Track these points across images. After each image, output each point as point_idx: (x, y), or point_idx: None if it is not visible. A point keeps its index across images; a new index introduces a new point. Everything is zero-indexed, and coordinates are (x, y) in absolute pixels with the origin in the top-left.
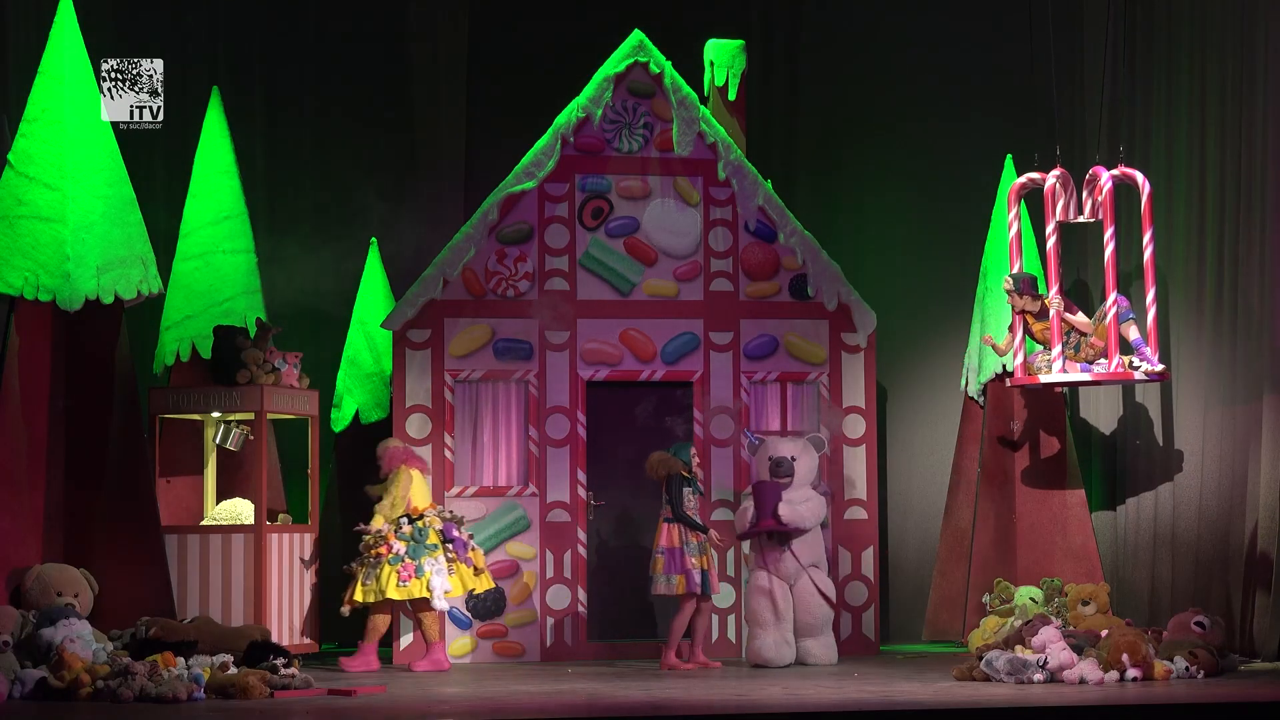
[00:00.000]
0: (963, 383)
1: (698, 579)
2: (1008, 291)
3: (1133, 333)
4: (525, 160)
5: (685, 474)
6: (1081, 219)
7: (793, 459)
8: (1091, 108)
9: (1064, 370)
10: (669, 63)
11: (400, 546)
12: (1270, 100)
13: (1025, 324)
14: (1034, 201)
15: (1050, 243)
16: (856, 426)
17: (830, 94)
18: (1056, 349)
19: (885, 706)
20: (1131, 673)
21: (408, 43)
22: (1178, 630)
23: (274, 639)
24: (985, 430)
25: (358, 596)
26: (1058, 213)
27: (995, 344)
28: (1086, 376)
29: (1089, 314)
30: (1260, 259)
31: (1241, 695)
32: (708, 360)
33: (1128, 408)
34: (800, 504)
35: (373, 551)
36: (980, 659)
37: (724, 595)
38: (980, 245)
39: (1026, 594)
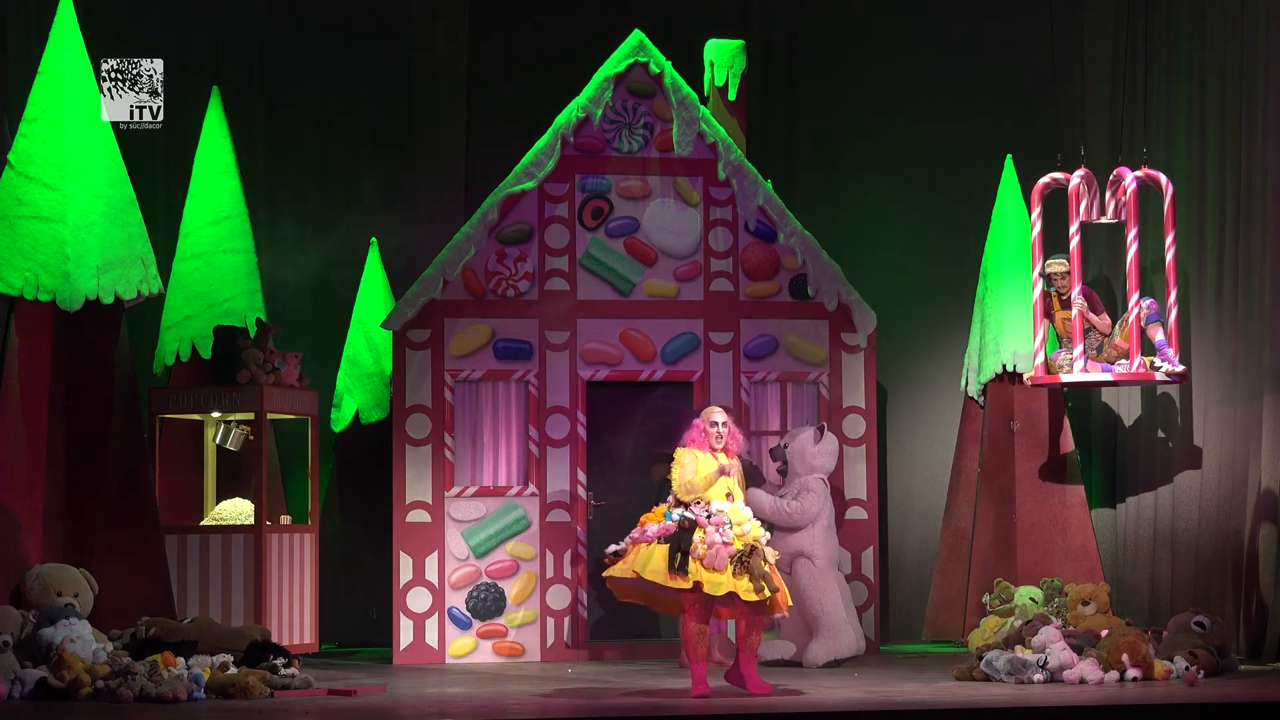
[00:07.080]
0: (963, 383)
1: None
2: (1049, 274)
3: (1158, 334)
4: (525, 160)
5: None
6: (1105, 219)
7: (784, 446)
8: (1091, 108)
9: (1085, 370)
10: (669, 63)
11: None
12: (1270, 100)
13: (1048, 305)
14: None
15: (1073, 243)
16: (856, 426)
17: (830, 94)
18: (1078, 349)
19: (885, 706)
20: (1131, 673)
21: (408, 42)
22: (1178, 630)
23: (274, 639)
24: (985, 430)
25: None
26: (1081, 213)
27: (1057, 364)
28: (1108, 377)
29: (1114, 315)
30: (1261, 258)
31: (1241, 695)
32: (708, 360)
33: (1131, 407)
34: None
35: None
36: (980, 659)
37: None
38: (980, 245)
39: (1026, 594)
